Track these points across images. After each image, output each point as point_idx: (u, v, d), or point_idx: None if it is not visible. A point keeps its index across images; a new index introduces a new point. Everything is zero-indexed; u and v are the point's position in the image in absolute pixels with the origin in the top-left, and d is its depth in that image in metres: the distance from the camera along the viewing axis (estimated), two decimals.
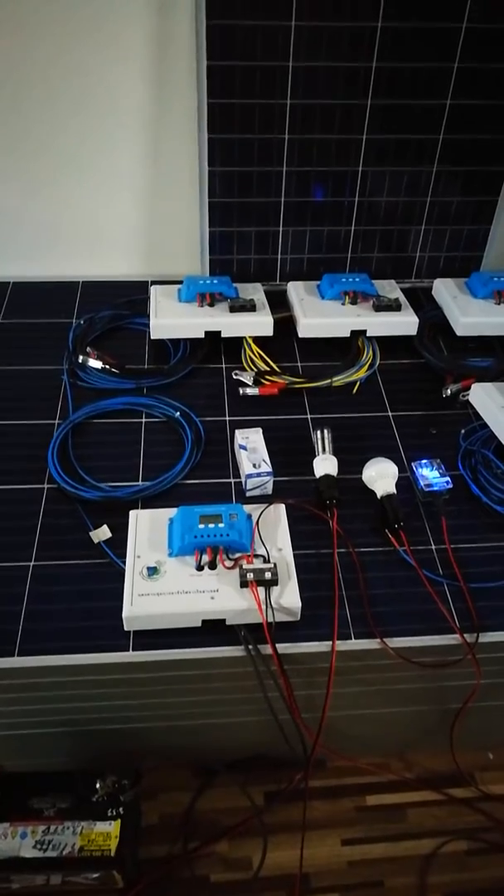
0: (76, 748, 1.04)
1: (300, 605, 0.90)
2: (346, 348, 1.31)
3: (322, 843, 1.08)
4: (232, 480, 1.09)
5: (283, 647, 0.89)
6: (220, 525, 0.94)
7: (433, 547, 1.01)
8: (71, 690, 0.92)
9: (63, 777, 0.97)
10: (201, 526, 0.94)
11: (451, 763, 1.13)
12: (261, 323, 1.28)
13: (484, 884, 1.05)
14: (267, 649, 0.88)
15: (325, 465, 1.08)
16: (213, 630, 0.89)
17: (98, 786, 0.94)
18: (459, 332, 1.32)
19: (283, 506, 1.01)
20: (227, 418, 1.19)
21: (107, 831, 0.92)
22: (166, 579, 0.91)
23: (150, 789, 1.11)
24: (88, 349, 1.24)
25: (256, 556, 0.93)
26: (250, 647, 0.88)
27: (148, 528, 0.97)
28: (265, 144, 1.26)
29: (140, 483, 1.07)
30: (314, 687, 0.94)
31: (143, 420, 1.18)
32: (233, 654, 0.89)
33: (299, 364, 1.30)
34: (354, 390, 1.25)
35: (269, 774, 1.14)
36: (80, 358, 1.22)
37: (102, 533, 1.00)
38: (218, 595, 0.89)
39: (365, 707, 1.03)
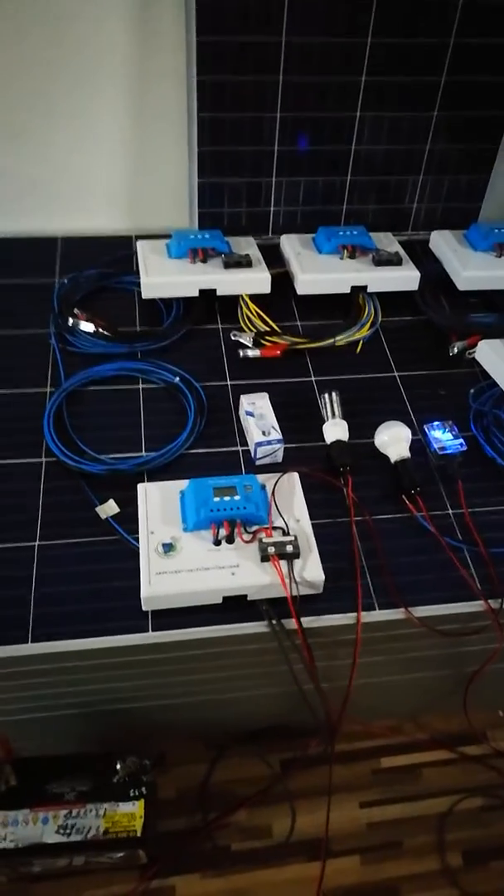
0: (90, 730, 1.01)
1: (323, 577, 0.87)
2: (346, 306, 1.26)
3: (340, 807, 1.08)
4: (239, 448, 1.05)
5: (306, 621, 0.86)
6: (236, 497, 0.90)
7: (450, 512, 0.99)
8: (86, 674, 0.88)
9: (79, 760, 0.94)
10: (216, 499, 0.89)
11: (463, 723, 1.14)
12: (258, 280, 1.22)
13: (501, 839, 1.06)
14: (290, 624, 0.85)
15: (335, 430, 1.04)
16: (234, 606, 0.86)
17: (118, 766, 0.92)
18: (461, 287, 1.28)
19: (296, 475, 0.98)
20: (229, 383, 1.14)
21: (131, 812, 0.90)
22: (183, 556, 0.87)
23: (165, 763, 1.09)
24: (77, 311, 1.17)
25: (275, 528, 0.90)
26: (274, 622, 0.86)
27: (159, 503, 0.92)
28: (259, 87, 1.18)
29: (144, 454, 1.02)
30: (335, 658, 0.92)
31: (141, 386, 1.12)
32: (256, 631, 0.86)
33: (299, 323, 1.25)
34: (358, 350, 1.21)
35: (282, 743, 1.13)
36: (70, 321, 1.15)
37: (109, 508, 0.95)
38: (239, 570, 0.86)
39: (381, 675, 1.02)
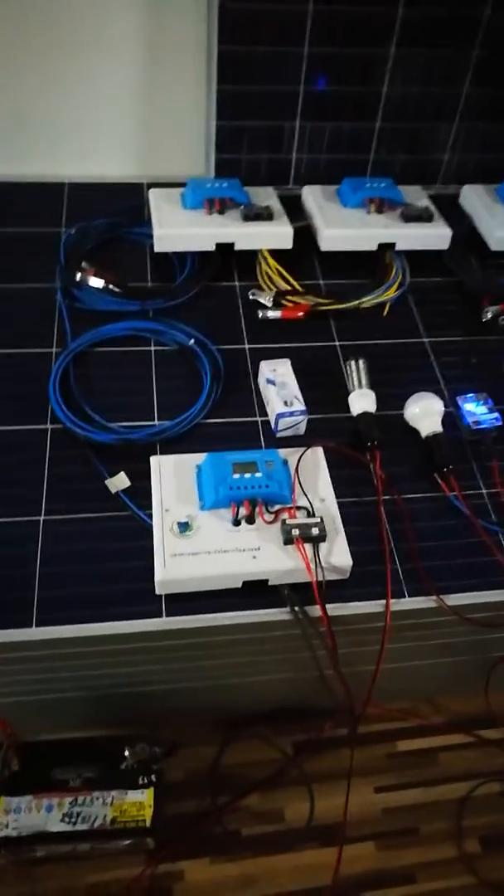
0: (98, 713, 0.96)
1: (351, 562, 0.81)
2: (372, 265, 1.17)
3: (355, 792, 1.04)
4: (258, 419, 0.97)
5: (332, 609, 0.80)
6: (258, 475, 0.83)
7: (484, 491, 0.92)
8: (94, 660, 0.83)
9: (86, 745, 0.90)
10: (236, 476, 0.83)
11: (481, 705, 1.09)
12: (279, 234, 1.13)
13: None
14: (314, 611, 0.80)
15: (362, 401, 0.97)
16: (255, 591, 0.80)
17: (127, 753, 0.87)
18: (494, 247, 1.19)
19: (321, 449, 0.91)
20: (247, 346, 1.06)
21: (140, 801, 0.86)
22: (200, 536, 0.80)
23: (173, 745, 1.05)
24: (85, 264, 1.08)
25: (299, 508, 0.83)
26: (297, 609, 0.80)
27: (173, 477, 0.85)
28: (286, 18, 1.07)
29: (157, 423, 0.95)
30: (360, 645, 0.86)
31: (152, 348, 1.04)
32: (278, 618, 0.80)
33: (322, 282, 1.17)
34: (385, 312, 1.13)
35: (295, 725, 1.09)
36: (78, 275, 1.06)
37: (120, 481, 0.88)
38: (260, 554, 0.79)
39: (403, 660, 0.97)
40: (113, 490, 0.88)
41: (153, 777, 0.87)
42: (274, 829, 1.01)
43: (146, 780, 0.87)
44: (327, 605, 0.79)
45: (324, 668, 0.85)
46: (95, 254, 1.15)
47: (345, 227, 1.15)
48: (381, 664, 0.87)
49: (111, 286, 1.06)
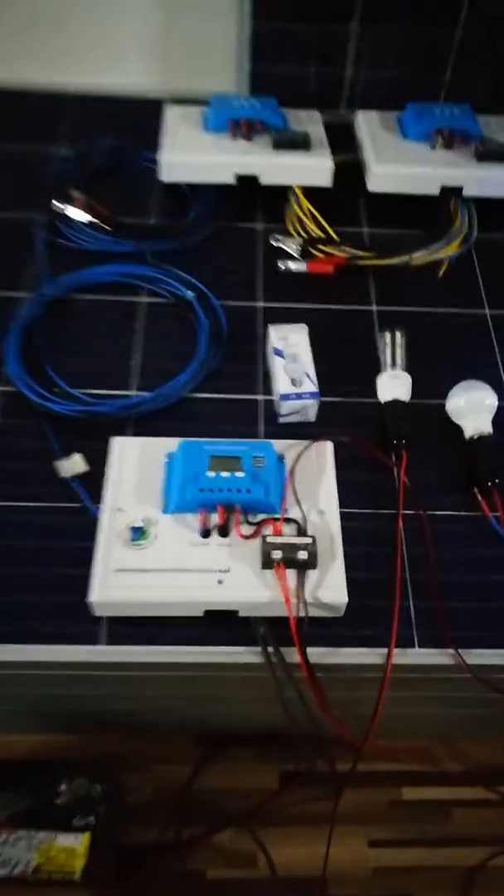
0: (40, 723, 0.83)
1: (346, 600, 0.62)
2: (431, 213, 0.94)
3: (344, 842, 0.88)
4: (261, 397, 0.79)
5: (317, 654, 0.63)
6: (239, 474, 0.65)
7: None
8: (24, 682, 0.68)
9: (18, 769, 0.76)
10: (211, 474, 0.65)
11: None
12: (316, 168, 0.91)
13: None
14: (294, 654, 0.62)
15: (394, 385, 0.76)
16: (220, 621, 0.63)
17: (63, 787, 0.73)
18: None
19: (330, 445, 0.71)
20: (261, 304, 0.86)
21: (72, 847, 0.72)
22: (157, 548, 0.63)
23: (141, 759, 0.91)
24: (75, 193, 0.90)
25: (287, 520, 0.65)
26: (270, 649, 0.62)
27: (137, 466, 0.68)
28: None
29: (134, 394, 0.77)
30: (352, 690, 0.69)
31: (144, 300, 0.86)
32: (246, 660, 0.63)
33: (365, 231, 0.95)
34: (441, 273, 0.90)
35: (285, 751, 0.93)
36: (57, 204, 0.88)
37: (74, 464, 0.72)
38: (229, 577, 0.62)
39: (410, 708, 0.79)
40: (64, 474, 0.71)
41: (92, 818, 0.73)
42: (245, 875, 0.87)
43: (83, 822, 0.73)
44: (311, 650, 0.62)
45: (311, 710, 0.68)
46: (94, 182, 0.96)
47: (401, 164, 0.92)
48: (380, 713, 0.69)
49: (98, 220, 0.87)
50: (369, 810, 0.92)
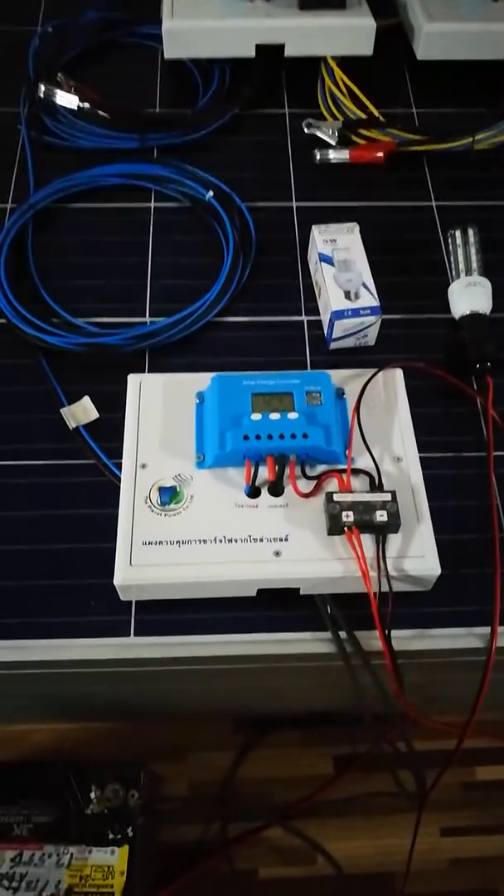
0: (70, 711, 0.71)
1: (438, 569, 0.49)
2: (497, 86, 0.77)
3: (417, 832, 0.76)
4: (304, 319, 0.64)
5: (401, 637, 0.50)
6: (292, 415, 0.51)
7: None
8: (43, 680, 0.56)
9: (39, 774, 0.64)
10: (256, 416, 0.50)
11: None
12: (354, 30, 0.74)
13: None
14: (371, 639, 0.49)
15: (471, 295, 0.61)
16: (277, 601, 0.50)
17: (93, 795, 0.61)
18: None
19: (400, 373, 0.57)
20: (295, 204, 0.70)
21: (108, 863, 0.61)
22: (193, 512, 0.50)
23: (175, 746, 0.79)
24: (60, 76, 0.72)
25: (356, 472, 0.51)
26: (341, 633, 0.49)
27: (160, 410, 0.54)
28: None
29: (147, 320, 0.62)
30: (431, 675, 0.57)
31: (152, 205, 0.70)
32: (311, 649, 0.50)
33: (415, 111, 0.78)
34: None
35: (339, 733, 0.81)
36: (43, 89, 0.71)
37: (82, 411, 0.58)
38: (288, 547, 0.48)
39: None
40: (71, 424, 0.57)
41: (130, 830, 0.61)
42: (303, 874, 0.76)
43: (119, 834, 0.61)
44: (395, 634, 0.48)
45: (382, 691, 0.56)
46: (82, 64, 0.79)
47: (458, 22, 0.74)
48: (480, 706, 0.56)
49: (89, 107, 0.70)
50: (440, 795, 0.80)
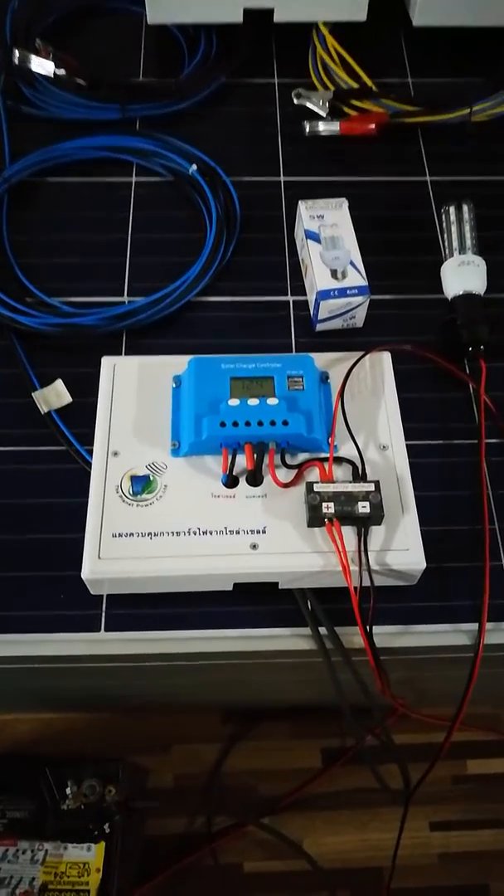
0: (51, 701, 0.69)
1: (423, 564, 0.46)
2: (496, 54, 0.73)
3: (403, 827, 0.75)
4: (290, 299, 0.61)
5: (384, 634, 0.48)
6: (271, 401, 0.48)
7: None
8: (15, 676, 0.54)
9: (17, 769, 0.62)
10: (234, 402, 0.48)
11: None
12: None
13: None
14: (353, 636, 0.47)
15: (464, 274, 0.58)
16: (255, 595, 0.48)
17: (69, 791, 0.59)
18: None
19: (388, 357, 0.54)
20: (283, 178, 0.67)
21: (84, 860, 0.59)
22: (167, 503, 0.47)
23: (160, 738, 0.77)
24: (39, 42, 0.69)
25: (339, 460, 0.49)
26: (321, 629, 0.47)
27: (135, 395, 0.51)
28: None
29: (125, 300, 0.60)
30: (418, 670, 0.55)
31: (133, 179, 0.67)
32: (289, 645, 0.48)
33: (410, 80, 0.74)
34: None
35: (326, 725, 0.80)
36: (17, 55, 0.67)
37: (55, 395, 0.55)
38: (265, 540, 0.46)
39: (489, 681, 0.64)
40: (43, 408, 0.55)
41: (107, 827, 0.59)
42: (289, 868, 0.75)
43: (97, 830, 0.60)
44: (377, 629, 0.46)
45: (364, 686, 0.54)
46: (61, 31, 0.75)
47: None
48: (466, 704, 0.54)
49: (66, 74, 0.67)
50: (430, 788, 0.78)
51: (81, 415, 0.54)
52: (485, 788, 0.79)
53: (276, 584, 0.47)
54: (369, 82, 0.70)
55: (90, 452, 0.51)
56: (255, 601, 0.48)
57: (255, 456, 0.47)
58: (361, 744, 0.48)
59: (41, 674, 0.51)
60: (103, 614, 0.48)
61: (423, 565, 0.46)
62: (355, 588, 0.45)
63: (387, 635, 0.48)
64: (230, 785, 0.78)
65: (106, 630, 0.48)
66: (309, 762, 0.79)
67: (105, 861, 0.59)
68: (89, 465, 0.51)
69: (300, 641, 0.48)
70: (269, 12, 0.70)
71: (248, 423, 0.47)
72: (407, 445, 0.50)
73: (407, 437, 0.51)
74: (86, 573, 0.45)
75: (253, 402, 0.48)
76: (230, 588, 0.47)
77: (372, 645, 0.45)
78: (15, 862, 0.59)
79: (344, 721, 0.48)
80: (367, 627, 0.45)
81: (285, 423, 0.47)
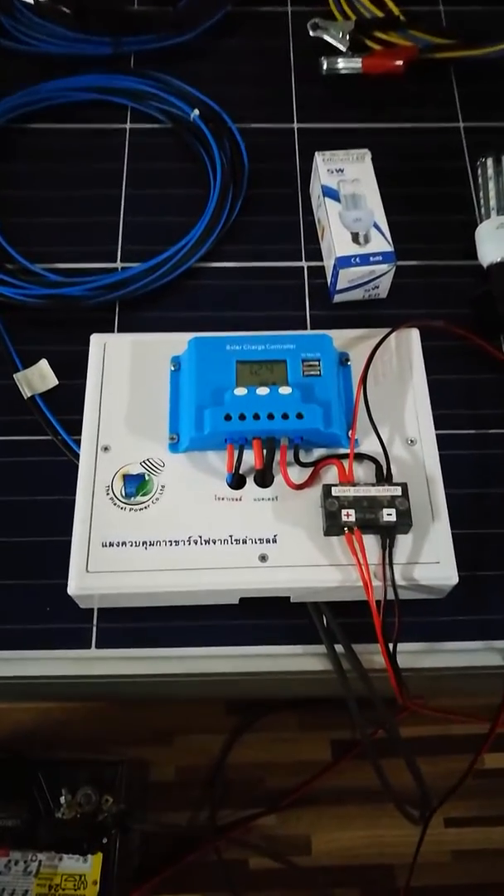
0: (24, 696, 0.65)
1: (455, 578, 0.41)
2: None
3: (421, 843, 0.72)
4: (304, 264, 0.54)
5: (409, 652, 0.42)
6: (283, 390, 0.42)
7: None
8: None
9: (9, 773, 0.58)
10: (240, 391, 0.42)
11: None
12: None
13: None
14: (373, 655, 0.42)
15: (502, 239, 0.51)
16: (263, 609, 0.43)
17: (63, 800, 0.55)
18: None
19: (416, 334, 0.47)
20: (296, 126, 0.60)
21: (80, 872, 0.55)
22: (164, 506, 0.41)
23: (163, 729, 0.74)
24: None
25: (360, 457, 0.43)
26: (337, 646, 0.42)
27: (128, 379, 0.45)
28: None
29: (118, 266, 0.53)
30: (442, 685, 0.50)
31: (127, 126, 0.59)
32: (301, 666, 0.43)
33: (442, 8, 0.66)
34: None
35: (336, 716, 0.76)
36: None
37: (39, 377, 0.49)
38: (275, 550, 0.40)
39: None
40: (26, 392, 0.49)
41: (104, 839, 0.56)
42: (295, 865, 0.72)
43: (93, 841, 0.56)
44: (401, 648, 0.41)
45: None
46: None
47: None
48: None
49: (54, 2, 0.59)
50: (444, 783, 0.74)
51: (69, 399, 0.47)
52: (502, 784, 0.75)
53: (288, 598, 0.42)
54: (396, 10, 0.61)
55: (79, 443, 0.45)
56: (264, 615, 0.43)
57: (265, 453, 0.41)
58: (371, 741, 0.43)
59: (23, 689, 0.46)
60: (94, 628, 0.43)
61: (455, 580, 0.41)
62: (377, 602, 0.40)
63: (410, 654, 0.43)
64: (235, 778, 0.74)
65: (97, 647, 0.43)
66: (318, 755, 0.75)
67: (103, 873, 0.56)
68: (78, 456, 0.45)
69: (314, 661, 0.43)
70: None
71: (256, 417, 0.41)
72: (437, 436, 0.44)
73: (437, 426, 0.45)
74: (72, 589, 0.40)
75: (262, 391, 0.42)
76: (235, 602, 0.42)
77: (395, 667, 0.40)
78: (7, 874, 0.56)
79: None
80: (391, 646, 0.40)
81: (299, 416, 0.41)
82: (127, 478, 0.42)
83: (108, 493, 0.42)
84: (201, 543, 0.41)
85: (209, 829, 0.71)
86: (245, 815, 0.72)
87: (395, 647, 0.40)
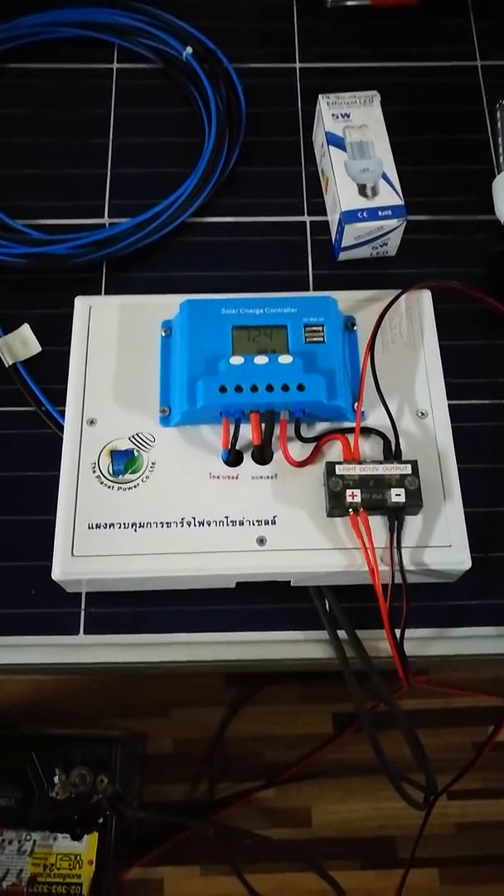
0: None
1: (468, 563, 0.38)
2: None
3: (418, 795, 0.70)
4: (307, 219, 0.50)
5: (416, 639, 0.40)
6: (284, 358, 0.38)
7: None
8: None
9: (3, 750, 0.57)
10: (237, 359, 0.38)
11: None
12: None
13: None
14: (378, 641, 0.39)
15: None
16: (262, 593, 0.40)
17: (56, 779, 0.54)
18: None
19: (428, 296, 0.43)
20: (298, 65, 0.55)
21: (75, 852, 0.54)
22: (155, 485, 0.38)
23: (161, 701, 0.72)
24: None
25: (366, 432, 0.39)
26: (340, 632, 0.40)
27: (115, 346, 0.42)
28: None
29: (105, 222, 0.49)
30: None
31: (114, 66, 0.54)
32: (302, 654, 0.41)
33: None
34: None
35: (338, 688, 0.74)
36: None
37: (21, 343, 0.46)
38: (274, 533, 0.38)
39: None
40: (7, 360, 0.45)
41: (99, 818, 0.54)
42: (294, 836, 0.71)
43: (87, 823, 0.54)
44: (409, 634, 0.38)
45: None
46: None
47: None
48: None
49: None
50: (448, 755, 0.74)
51: (53, 367, 0.44)
52: None
53: (289, 582, 0.39)
54: None
55: (64, 414, 0.42)
56: (263, 599, 0.40)
57: (264, 427, 0.38)
58: (388, 770, 0.41)
59: (7, 675, 0.44)
60: (82, 613, 0.41)
61: (468, 565, 0.38)
62: (384, 587, 0.37)
63: (418, 640, 0.40)
64: (234, 751, 0.73)
65: (86, 633, 0.40)
66: (319, 728, 0.74)
67: (98, 852, 0.55)
68: (63, 429, 0.42)
69: (315, 648, 0.40)
70: None
71: (254, 388, 0.38)
72: (449, 406, 0.41)
73: (449, 397, 0.41)
74: (57, 574, 0.37)
75: (261, 359, 0.38)
76: (232, 586, 0.39)
77: (401, 654, 0.38)
78: (1, 853, 0.54)
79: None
80: (398, 634, 0.37)
81: (301, 387, 0.38)
82: (114, 454, 0.39)
83: (94, 471, 0.39)
84: (195, 525, 0.38)
85: (207, 803, 0.70)
86: (244, 789, 0.71)
87: (402, 634, 0.38)
